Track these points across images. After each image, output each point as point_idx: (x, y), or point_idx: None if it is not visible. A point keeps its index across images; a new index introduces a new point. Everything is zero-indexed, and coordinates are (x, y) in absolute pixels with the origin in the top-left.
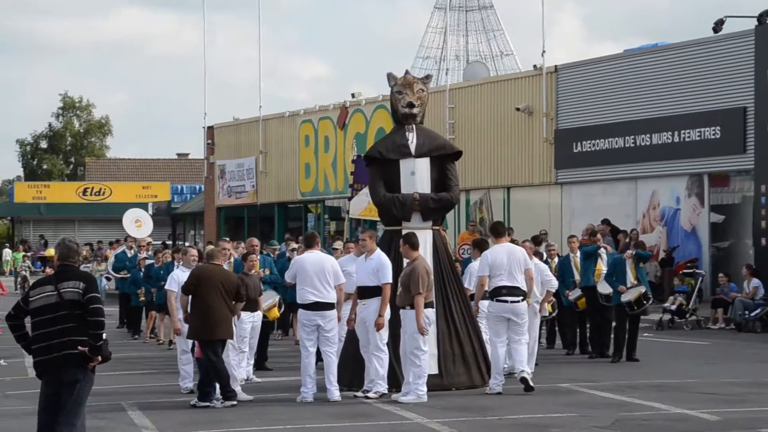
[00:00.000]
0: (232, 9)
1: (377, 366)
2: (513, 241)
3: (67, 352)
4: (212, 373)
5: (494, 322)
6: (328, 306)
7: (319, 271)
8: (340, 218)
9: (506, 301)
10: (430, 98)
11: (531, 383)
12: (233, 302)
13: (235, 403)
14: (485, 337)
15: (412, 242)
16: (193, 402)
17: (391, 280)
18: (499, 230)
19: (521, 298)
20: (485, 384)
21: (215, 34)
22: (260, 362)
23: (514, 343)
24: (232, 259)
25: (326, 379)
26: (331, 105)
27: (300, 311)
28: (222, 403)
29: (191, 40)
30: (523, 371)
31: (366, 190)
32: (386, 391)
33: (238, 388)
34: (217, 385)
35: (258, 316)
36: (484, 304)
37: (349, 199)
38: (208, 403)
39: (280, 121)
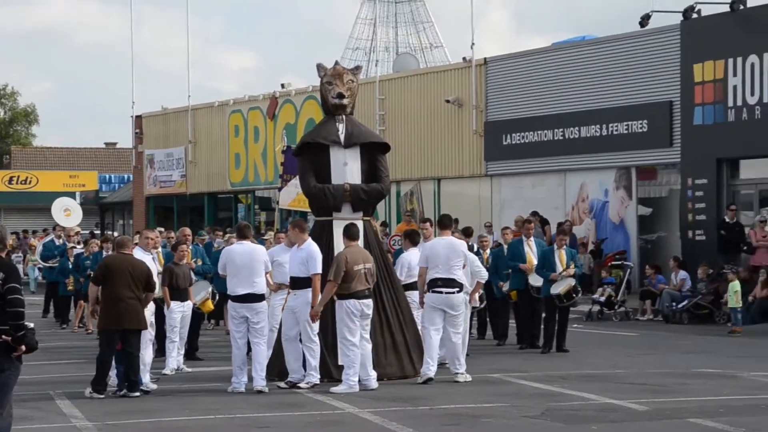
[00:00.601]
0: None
1: (309, 357)
2: (463, 232)
3: None
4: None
5: (430, 311)
6: (258, 298)
7: (249, 262)
8: (270, 209)
9: (441, 293)
10: (360, 89)
11: (461, 381)
12: (143, 292)
13: (138, 394)
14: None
15: (350, 233)
16: (88, 392)
17: (320, 271)
18: (445, 222)
19: (457, 289)
20: (417, 374)
21: (142, 23)
22: (191, 352)
23: (449, 336)
24: (160, 249)
25: (253, 370)
26: (261, 95)
27: (229, 303)
28: (122, 393)
29: (119, 28)
30: (457, 373)
31: (295, 181)
32: (318, 382)
33: (146, 378)
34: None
35: (188, 305)
36: (415, 295)
37: (279, 189)
38: (101, 395)
39: (209, 111)
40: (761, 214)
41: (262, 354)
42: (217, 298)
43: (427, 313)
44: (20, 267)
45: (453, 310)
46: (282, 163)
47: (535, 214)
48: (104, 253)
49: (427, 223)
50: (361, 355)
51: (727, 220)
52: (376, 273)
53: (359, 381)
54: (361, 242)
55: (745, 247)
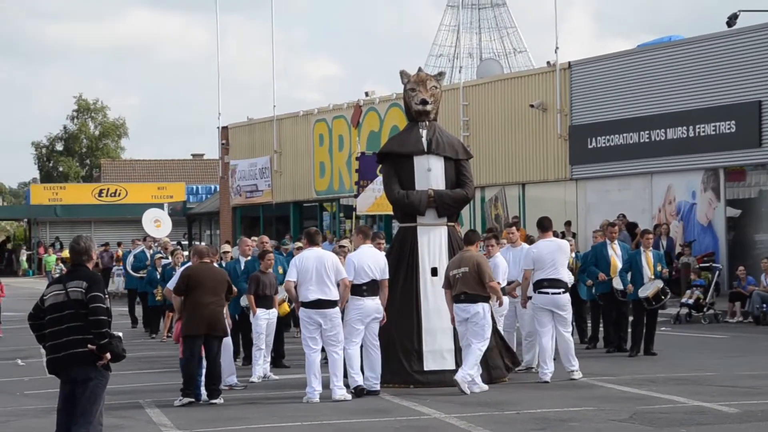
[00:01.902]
0: (241, 10)
1: (373, 361)
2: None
3: (75, 350)
4: (201, 371)
5: (538, 313)
6: (330, 304)
7: (320, 268)
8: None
9: (547, 293)
10: (444, 96)
11: (576, 378)
12: (226, 299)
13: (221, 401)
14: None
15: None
16: (178, 401)
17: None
18: (546, 225)
19: (562, 290)
20: (503, 377)
21: (227, 34)
22: (277, 359)
23: (561, 335)
24: (243, 258)
25: (330, 379)
26: (345, 104)
27: (301, 310)
28: (206, 400)
29: (203, 41)
30: (572, 371)
31: (372, 186)
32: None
33: (230, 383)
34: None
35: (273, 313)
36: (506, 301)
37: (356, 196)
38: (191, 399)
39: (294, 121)
40: None
41: (337, 363)
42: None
43: (536, 314)
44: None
45: (560, 310)
46: (357, 169)
47: (622, 217)
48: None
49: (514, 227)
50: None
51: None
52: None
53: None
54: (445, 248)
55: None
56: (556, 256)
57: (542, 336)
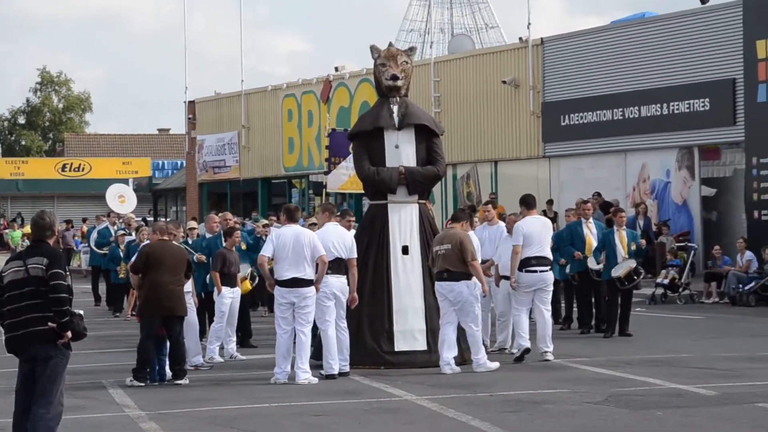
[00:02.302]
0: None
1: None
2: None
3: (34, 328)
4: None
5: (521, 292)
6: (305, 283)
7: (297, 246)
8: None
9: (536, 271)
10: (415, 72)
11: (550, 359)
12: (185, 277)
13: (186, 381)
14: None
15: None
16: (129, 381)
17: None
18: (531, 202)
19: (549, 267)
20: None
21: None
22: (244, 339)
23: (541, 313)
24: (209, 235)
25: (296, 360)
26: (315, 79)
27: (276, 288)
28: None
29: (168, 14)
30: (546, 352)
31: (344, 164)
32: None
33: (195, 363)
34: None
35: (237, 291)
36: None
37: (326, 173)
38: (141, 384)
39: (262, 96)
40: None
41: (305, 344)
42: (257, 280)
43: (517, 294)
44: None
45: (547, 287)
46: (328, 146)
47: (597, 195)
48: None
49: (489, 206)
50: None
51: None
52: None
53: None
54: (416, 226)
55: None
56: (543, 234)
57: (520, 314)
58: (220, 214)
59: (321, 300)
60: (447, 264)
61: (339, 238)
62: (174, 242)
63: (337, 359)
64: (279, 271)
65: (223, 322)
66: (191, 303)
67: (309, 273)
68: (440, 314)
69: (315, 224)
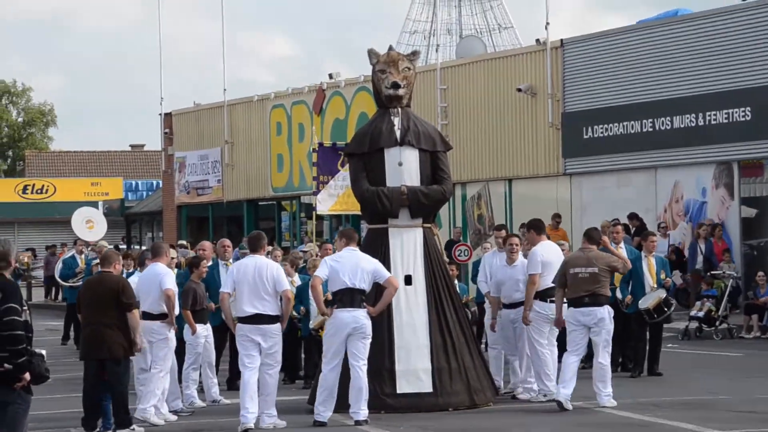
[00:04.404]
0: None
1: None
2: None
3: None
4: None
5: (541, 324)
6: (269, 319)
7: (257, 278)
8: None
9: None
10: (419, 78)
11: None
12: (121, 314)
13: (131, 429)
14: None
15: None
16: None
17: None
18: (541, 227)
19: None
20: (487, 402)
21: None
22: (231, 381)
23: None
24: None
25: (260, 403)
26: (306, 87)
27: (237, 326)
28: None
29: (138, 13)
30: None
31: (333, 182)
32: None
33: (164, 408)
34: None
35: (209, 328)
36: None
37: (315, 194)
38: None
39: (247, 107)
40: None
41: (271, 386)
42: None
43: (536, 326)
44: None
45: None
46: (315, 163)
47: (633, 217)
48: (125, 272)
49: (503, 231)
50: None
51: None
52: (435, 288)
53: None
54: (420, 252)
55: None
56: (556, 263)
57: (541, 350)
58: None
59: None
60: (592, 286)
61: (354, 267)
62: (115, 274)
63: (330, 405)
64: (239, 306)
65: (197, 363)
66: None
67: (273, 308)
68: (568, 344)
69: (305, 252)
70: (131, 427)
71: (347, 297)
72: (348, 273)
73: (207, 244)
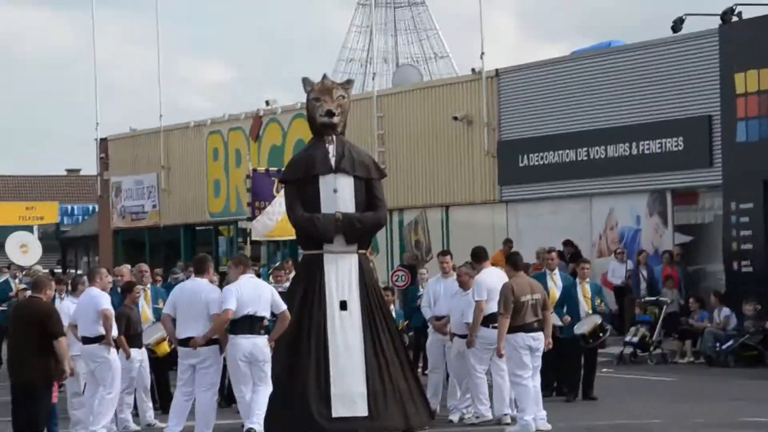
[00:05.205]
0: (113, 3)
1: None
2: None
3: None
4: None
5: (483, 351)
6: (207, 342)
7: (196, 301)
8: (255, 242)
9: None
10: (356, 106)
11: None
12: (44, 340)
13: None
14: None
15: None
16: None
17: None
18: (481, 255)
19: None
20: (423, 425)
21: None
22: (166, 405)
23: (497, 373)
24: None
25: (198, 426)
26: (243, 114)
27: (178, 348)
28: None
29: (75, 38)
30: (505, 415)
31: (270, 209)
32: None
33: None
34: None
35: (144, 353)
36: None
37: (250, 219)
38: None
39: (183, 132)
40: None
41: (205, 410)
42: None
43: (477, 353)
44: None
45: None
46: (249, 189)
47: (567, 243)
48: (57, 298)
49: (447, 256)
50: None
51: None
52: (370, 313)
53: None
54: (355, 279)
55: None
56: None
57: (479, 375)
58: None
59: (234, 367)
60: (537, 314)
61: (252, 294)
62: (44, 300)
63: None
64: (178, 329)
65: (132, 388)
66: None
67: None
68: (523, 370)
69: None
70: None
71: (247, 324)
72: (247, 300)
73: (125, 270)
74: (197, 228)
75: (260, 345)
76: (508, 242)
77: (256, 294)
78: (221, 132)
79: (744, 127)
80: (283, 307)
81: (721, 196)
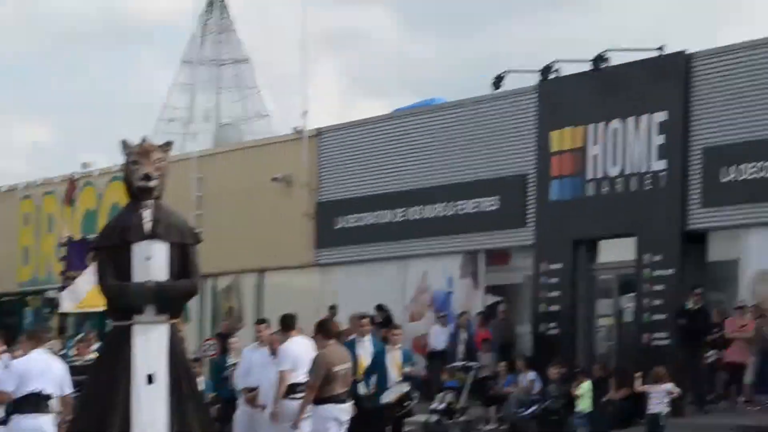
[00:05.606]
0: None
1: None
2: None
3: None
4: None
5: (287, 422)
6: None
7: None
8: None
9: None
10: (176, 168)
11: None
12: None
13: None
14: None
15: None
16: None
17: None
18: (289, 323)
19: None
20: None
21: None
22: None
23: None
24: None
25: None
26: (58, 177)
27: None
28: None
29: None
30: None
31: (80, 279)
32: None
33: None
34: None
35: None
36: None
37: (60, 289)
38: None
39: None
40: (740, 299)
41: None
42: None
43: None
44: None
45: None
46: (63, 257)
47: (380, 308)
48: None
49: (263, 325)
50: None
51: (690, 306)
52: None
53: None
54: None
55: (712, 339)
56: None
57: None
58: None
59: None
60: (347, 384)
61: (43, 371)
62: None
63: None
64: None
65: None
66: None
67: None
68: None
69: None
70: None
71: (32, 402)
72: (36, 377)
73: None
74: (3, 298)
75: (46, 425)
76: (332, 308)
77: (45, 370)
78: (34, 197)
79: (558, 186)
80: (68, 390)
81: (532, 256)
